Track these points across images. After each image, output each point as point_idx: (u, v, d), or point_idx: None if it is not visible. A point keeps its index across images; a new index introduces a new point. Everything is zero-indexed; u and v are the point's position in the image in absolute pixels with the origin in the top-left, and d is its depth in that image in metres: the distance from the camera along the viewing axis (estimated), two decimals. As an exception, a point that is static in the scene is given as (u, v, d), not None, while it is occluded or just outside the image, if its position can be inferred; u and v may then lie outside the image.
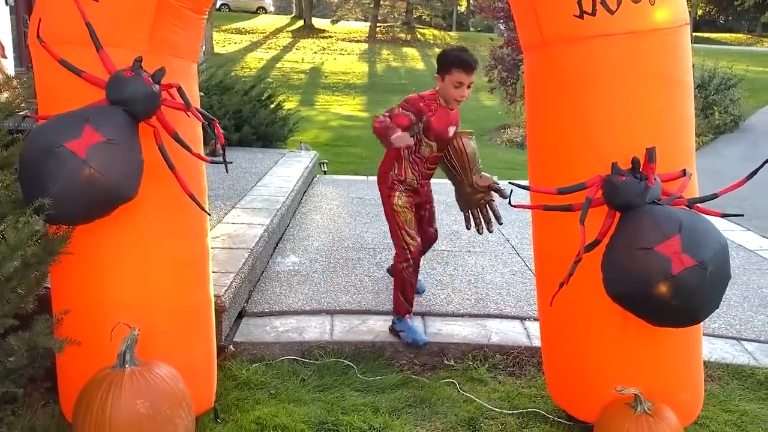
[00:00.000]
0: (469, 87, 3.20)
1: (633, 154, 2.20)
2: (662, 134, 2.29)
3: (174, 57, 2.47)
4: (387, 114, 3.12)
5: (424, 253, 3.56)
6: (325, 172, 8.22)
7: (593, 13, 2.21)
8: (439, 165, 3.41)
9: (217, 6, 33.28)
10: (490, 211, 3.37)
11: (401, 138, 2.97)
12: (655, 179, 2.16)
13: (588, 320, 2.48)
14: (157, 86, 2.29)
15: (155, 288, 2.46)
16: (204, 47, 18.58)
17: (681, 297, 2.05)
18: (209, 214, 2.56)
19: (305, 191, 6.55)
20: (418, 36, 35.37)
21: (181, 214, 2.50)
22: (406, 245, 3.27)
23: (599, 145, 2.29)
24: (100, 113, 2.21)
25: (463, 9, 44.21)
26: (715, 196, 2.25)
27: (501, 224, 3.37)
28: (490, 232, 3.43)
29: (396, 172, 3.31)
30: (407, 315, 3.33)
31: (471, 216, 3.42)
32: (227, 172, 2.48)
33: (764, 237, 5.57)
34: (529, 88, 2.58)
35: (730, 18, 41.84)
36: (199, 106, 2.67)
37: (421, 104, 3.16)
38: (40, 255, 2.30)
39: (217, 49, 25.07)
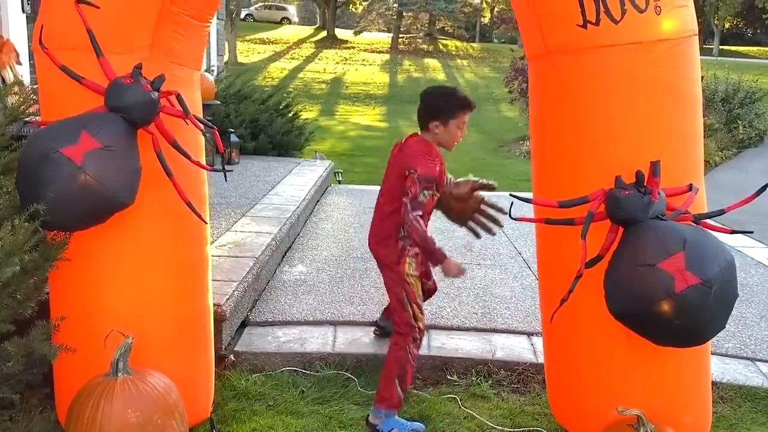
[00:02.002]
0: None
1: (637, 167, 2.14)
2: (668, 147, 2.22)
3: (175, 64, 2.47)
4: (412, 208, 2.63)
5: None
6: (339, 182, 8.22)
7: (597, 23, 2.15)
8: None
9: (242, 16, 33.68)
10: (488, 209, 3.11)
11: (452, 267, 2.64)
12: (659, 194, 2.10)
13: (590, 337, 2.41)
14: (156, 93, 2.29)
15: (152, 296, 2.45)
16: (227, 56, 18.80)
17: (684, 316, 1.98)
18: (206, 222, 2.55)
19: (318, 200, 6.54)
20: (441, 47, 35.42)
21: (179, 221, 2.49)
22: (416, 321, 2.77)
23: (602, 158, 2.24)
24: (97, 120, 2.21)
25: (486, 20, 44.20)
26: (722, 212, 2.18)
27: (506, 214, 2.61)
28: (501, 226, 3.12)
29: (404, 234, 2.78)
30: (396, 409, 2.71)
31: (474, 225, 3.17)
32: (226, 180, 2.46)
33: (786, 255, 5.42)
34: (533, 99, 2.53)
35: (759, 31, 41.25)
36: (201, 114, 2.67)
37: (438, 168, 2.78)
38: (38, 261, 2.30)
39: (240, 59, 25.36)
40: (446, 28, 39.77)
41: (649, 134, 2.24)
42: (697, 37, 2.28)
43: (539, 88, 2.46)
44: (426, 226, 2.73)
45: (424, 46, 35.16)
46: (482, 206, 3.10)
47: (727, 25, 39.96)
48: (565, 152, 2.37)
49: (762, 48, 39.00)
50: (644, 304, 2.02)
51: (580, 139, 2.31)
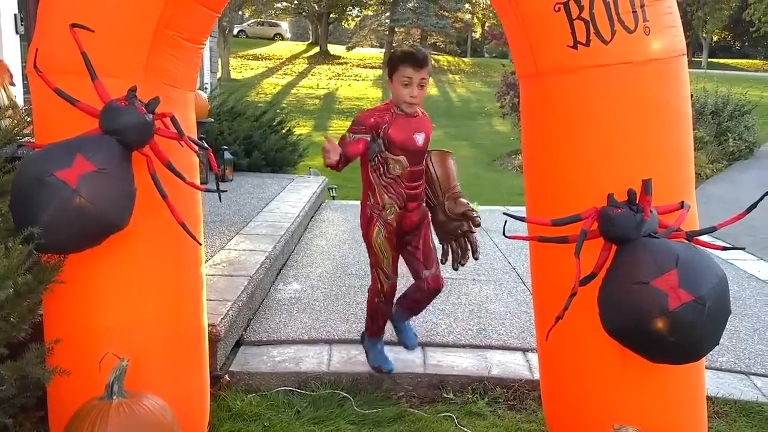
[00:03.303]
0: (422, 87, 2.87)
1: (629, 185, 2.16)
2: (659, 165, 2.24)
3: (170, 86, 2.48)
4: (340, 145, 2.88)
5: (427, 304, 3.25)
6: (333, 198, 8.23)
7: (587, 44, 2.18)
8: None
9: (235, 32, 33.82)
10: (467, 242, 3.03)
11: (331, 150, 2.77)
12: (651, 211, 2.11)
13: (585, 354, 2.41)
14: (151, 116, 2.30)
15: (147, 317, 2.44)
16: (220, 73, 18.87)
17: (678, 333, 1.99)
18: (200, 244, 2.55)
19: (312, 216, 6.54)
20: (433, 62, 35.62)
21: (174, 243, 2.48)
22: (380, 284, 3.07)
23: (594, 176, 2.25)
24: (92, 142, 2.21)
25: (477, 36, 44.55)
26: (714, 229, 2.20)
27: (477, 259, 3.05)
28: (462, 265, 3.09)
29: (372, 201, 3.00)
30: (376, 336, 3.22)
31: (449, 248, 3.08)
32: (221, 201, 2.47)
33: (778, 267, 5.45)
34: (525, 117, 2.55)
35: (746, 44, 41.75)
36: (195, 135, 2.68)
37: (372, 119, 2.88)
38: (32, 284, 2.30)
39: (233, 75, 25.45)
40: (438, 44, 40.09)
41: (639, 152, 2.26)
42: (685, 56, 2.31)
43: (531, 107, 2.48)
44: (406, 195, 2.95)
45: (416, 61, 35.23)
46: (465, 237, 3.03)
47: (715, 39, 40.45)
48: (557, 171, 2.38)
49: (750, 60, 39.49)
50: (638, 322, 2.03)
51: (572, 158, 2.33)
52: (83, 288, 2.39)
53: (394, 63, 2.87)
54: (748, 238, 5.66)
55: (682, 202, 2.21)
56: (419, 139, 2.95)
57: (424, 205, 3.09)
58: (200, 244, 2.57)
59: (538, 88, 2.39)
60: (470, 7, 40.39)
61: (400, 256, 3.13)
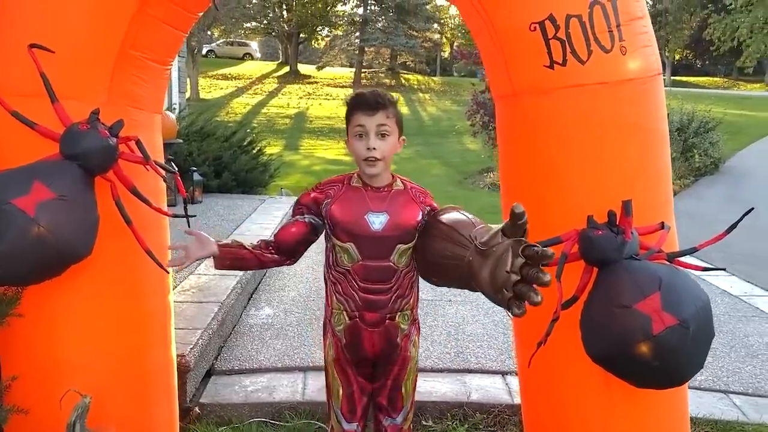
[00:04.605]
0: (383, 136, 2.10)
1: (607, 206, 2.12)
2: (637, 186, 2.21)
3: (135, 108, 2.39)
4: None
5: None
6: (305, 218, 8.12)
7: (564, 63, 2.15)
8: (438, 279, 2.06)
9: (204, 52, 33.65)
10: (533, 273, 1.50)
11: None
12: (632, 233, 2.08)
13: (568, 378, 2.36)
14: (115, 139, 2.20)
15: (110, 351, 2.32)
16: (189, 93, 18.69)
17: (663, 358, 1.94)
18: (167, 272, 2.44)
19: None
20: (403, 81, 35.90)
21: (139, 271, 2.38)
22: (331, 428, 2.29)
23: (572, 198, 2.22)
24: (51, 168, 2.10)
25: (446, 55, 45.07)
26: (695, 250, 2.17)
27: (551, 258, 1.52)
28: (547, 284, 1.53)
29: (326, 305, 2.27)
30: None
31: (513, 295, 1.55)
32: (189, 226, 2.37)
33: (748, 282, 5.51)
34: (501, 138, 2.51)
35: (707, 62, 42.94)
36: (161, 158, 2.58)
37: (313, 194, 2.20)
38: (-14, 318, 2.17)
39: (202, 95, 25.25)
40: (408, 63, 40.47)
41: (618, 173, 2.23)
42: (661, 76, 2.30)
43: (507, 128, 2.45)
44: (362, 300, 2.14)
45: (387, 81, 35.60)
46: (516, 260, 1.55)
47: (677, 57, 41.51)
48: (535, 192, 2.34)
49: (711, 78, 40.57)
50: (622, 347, 1.98)
51: (550, 179, 2.29)
52: (42, 321, 2.26)
53: (346, 115, 2.18)
54: (719, 254, 5.72)
55: (663, 222, 2.19)
56: (375, 222, 2.11)
57: (402, 327, 2.23)
58: (167, 272, 2.46)
59: (514, 108, 2.35)
60: (439, 27, 40.90)
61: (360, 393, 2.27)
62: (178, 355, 2.77)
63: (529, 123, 2.30)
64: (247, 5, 32.28)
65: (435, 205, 2.21)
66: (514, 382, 3.35)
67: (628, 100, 2.20)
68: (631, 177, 2.23)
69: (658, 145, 2.32)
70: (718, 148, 13.62)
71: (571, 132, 2.24)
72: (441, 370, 3.48)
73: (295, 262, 2.24)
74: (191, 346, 3.10)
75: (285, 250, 2.19)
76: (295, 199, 8.40)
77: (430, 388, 3.29)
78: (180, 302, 3.67)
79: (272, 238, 2.21)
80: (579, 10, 2.11)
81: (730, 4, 30.91)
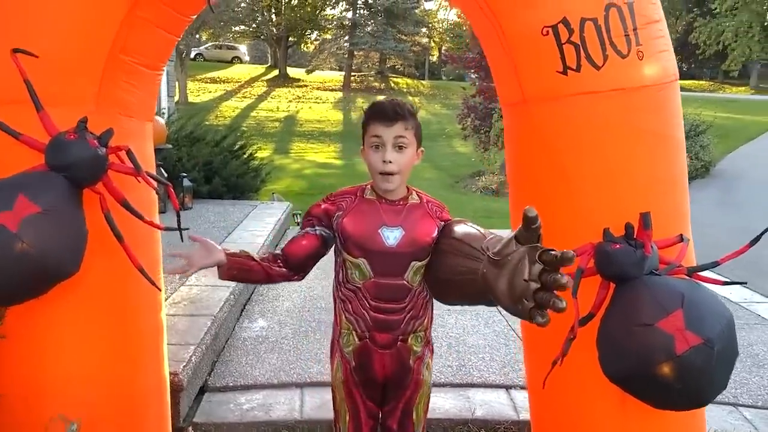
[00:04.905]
0: (400, 148, 1.99)
1: (622, 217, 2.02)
2: (654, 196, 2.12)
3: (125, 116, 2.26)
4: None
5: None
6: (298, 224, 7.99)
7: (578, 69, 2.05)
8: (452, 298, 2.00)
9: (192, 56, 33.41)
10: (551, 277, 1.36)
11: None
12: (652, 247, 1.98)
13: (581, 397, 2.26)
14: (104, 149, 2.07)
15: (100, 372, 2.20)
16: (178, 97, 18.49)
17: (686, 379, 1.85)
18: (159, 289, 2.32)
19: (277, 245, 6.30)
20: (392, 85, 35.86)
21: (130, 288, 2.25)
22: None
23: (585, 209, 2.12)
24: (36, 181, 1.97)
25: (434, 59, 45.11)
26: (716, 264, 2.08)
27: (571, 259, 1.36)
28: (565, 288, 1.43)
29: (335, 320, 2.17)
30: None
31: (534, 303, 1.42)
32: (182, 240, 2.24)
33: (747, 288, 5.45)
34: (510, 147, 2.41)
35: (693, 66, 43.22)
36: (153, 169, 2.46)
37: (324, 206, 2.10)
38: (-33, 340, 2.04)
39: (191, 98, 25.05)
40: (397, 66, 40.45)
41: (632, 182, 2.13)
42: (678, 82, 2.21)
43: (516, 136, 2.34)
44: (372, 319, 2.04)
45: (376, 84, 35.56)
46: (534, 267, 1.41)
47: (664, 61, 41.72)
48: (546, 204, 2.23)
49: (696, 81, 40.84)
50: (642, 367, 1.88)
51: (562, 190, 2.19)
52: (27, 342, 2.13)
53: (363, 124, 2.09)
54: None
55: (681, 235, 2.09)
56: (390, 236, 2.01)
57: (415, 349, 2.10)
58: (160, 289, 2.34)
59: (524, 116, 2.25)
60: (427, 31, 40.88)
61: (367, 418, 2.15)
62: (171, 373, 2.64)
63: (540, 131, 2.20)
64: (236, 8, 32.10)
65: (451, 219, 2.13)
66: (518, 396, 3.25)
67: (645, 108, 2.10)
68: (647, 186, 2.14)
69: (675, 153, 2.22)
70: (709, 151, 13.66)
71: (585, 140, 2.14)
72: (444, 385, 3.37)
73: (303, 278, 2.14)
74: (184, 363, 2.97)
75: (294, 264, 2.08)
76: (286, 204, 8.25)
77: (433, 404, 3.15)
78: (171, 315, 3.54)
79: (281, 252, 2.11)
80: (594, 13, 2.02)
81: (716, 8, 31.15)
